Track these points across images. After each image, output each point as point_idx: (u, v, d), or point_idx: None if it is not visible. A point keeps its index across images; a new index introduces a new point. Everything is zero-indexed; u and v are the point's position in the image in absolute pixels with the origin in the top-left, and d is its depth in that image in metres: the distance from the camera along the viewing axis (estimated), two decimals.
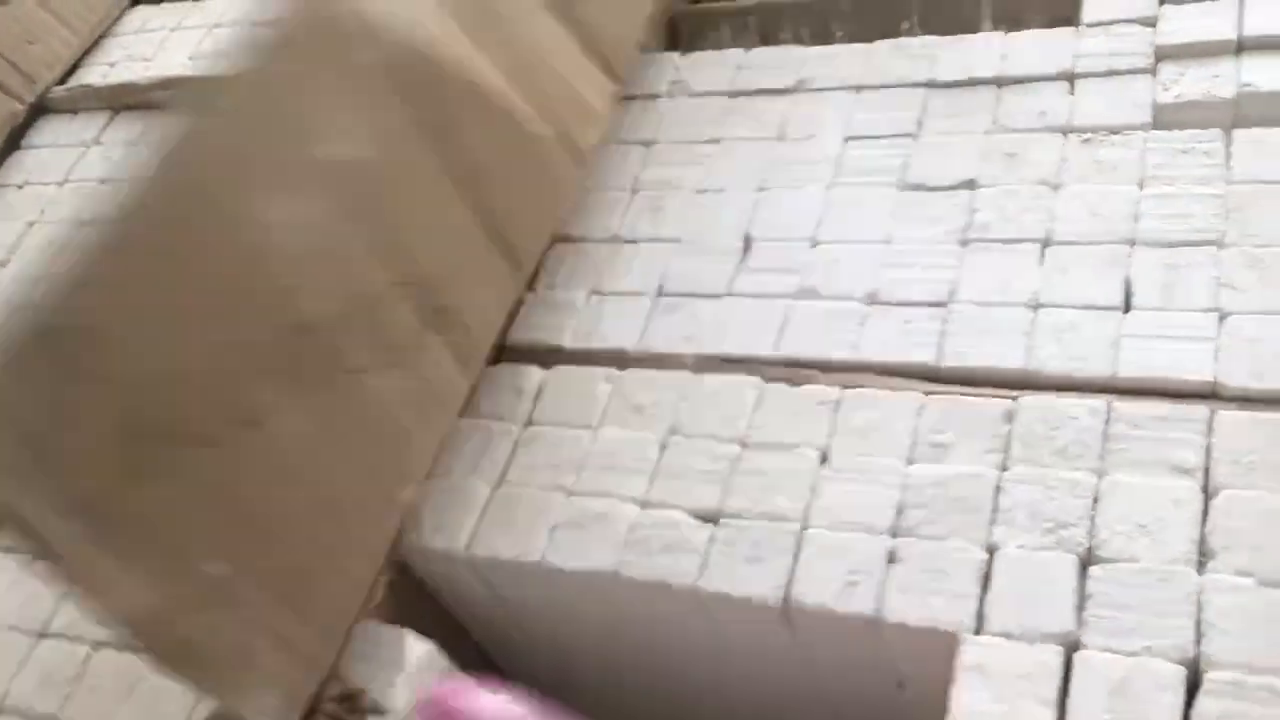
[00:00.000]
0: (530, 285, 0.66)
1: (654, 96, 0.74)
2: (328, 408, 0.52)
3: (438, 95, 0.58)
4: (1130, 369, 0.53)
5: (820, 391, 0.56)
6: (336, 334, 0.52)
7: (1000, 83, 0.66)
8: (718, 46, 0.79)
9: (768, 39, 0.80)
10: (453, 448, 0.60)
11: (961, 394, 0.54)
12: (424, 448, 0.57)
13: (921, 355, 0.57)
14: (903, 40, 0.71)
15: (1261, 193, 0.56)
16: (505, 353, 0.64)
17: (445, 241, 0.58)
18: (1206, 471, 0.49)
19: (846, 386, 0.56)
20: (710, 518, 0.54)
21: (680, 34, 0.83)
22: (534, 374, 0.62)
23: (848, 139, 0.67)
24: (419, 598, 0.59)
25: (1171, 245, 0.56)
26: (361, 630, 0.54)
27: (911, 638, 0.48)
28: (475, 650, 0.64)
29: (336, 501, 0.52)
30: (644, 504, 0.55)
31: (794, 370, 0.58)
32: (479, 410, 0.61)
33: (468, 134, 0.59)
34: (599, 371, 0.61)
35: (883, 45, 0.71)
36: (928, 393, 0.55)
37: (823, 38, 0.78)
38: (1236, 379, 0.51)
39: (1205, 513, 0.48)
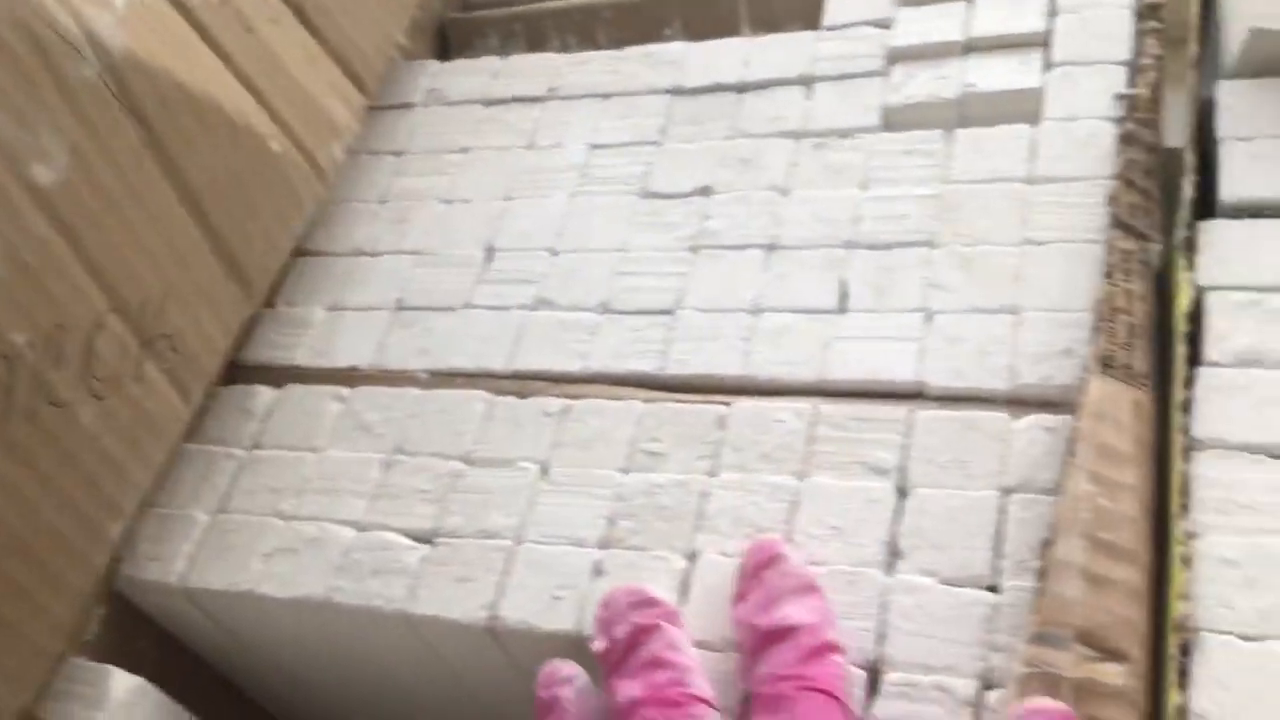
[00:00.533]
0: (269, 302, 0.64)
1: (409, 106, 0.73)
2: (26, 444, 0.49)
3: (171, 113, 0.55)
4: (839, 371, 0.53)
5: (546, 403, 0.56)
6: (43, 365, 0.50)
7: (742, 88, 0.66)
8: (486, 54, 0.78)
9: (535, 45, 0.79)
10: (175, 475, 0.57)
11: (678, 402, 0.54)
12: (137, 480, 0.54)
13: (646, 364, 0.56)
14: (652, 47, 0.70)
15: (974, 192, 0.57)
16: (238, 373, 0.62)
17: (170, 265, 0.56)
18: (902, 471, 0.49)
19: (574, 398, 0.56)
20: (425, 538, 0.52)
21: (449, 42, 0.81)
22: (264, 394, 0.60)
23: (593, 147, 0.66)
24: (142, 631, 0.57)
25: (887, 247, 0.56)
26: (66, 669, 0.52)
27: None
28: (217, 680, 0.62)
29: (32, 542, 0.50)
30: (361, 527, 0.54)
31: (524, 383, 0.57)
32: (205, 435, 0.59)
33: (202, 153, 0.57)
34: (330, 391, 0.59)
35: (633, 52, 0.70)
36: (647, 401, 0.54)
37: (589, 44, 0.78)
38: (938, 378, 0.51)
39: (898, 513, 0.48)
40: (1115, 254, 0.51)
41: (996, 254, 0.54)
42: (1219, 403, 0.47)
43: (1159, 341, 0.51)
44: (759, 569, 0.45)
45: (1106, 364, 0.48)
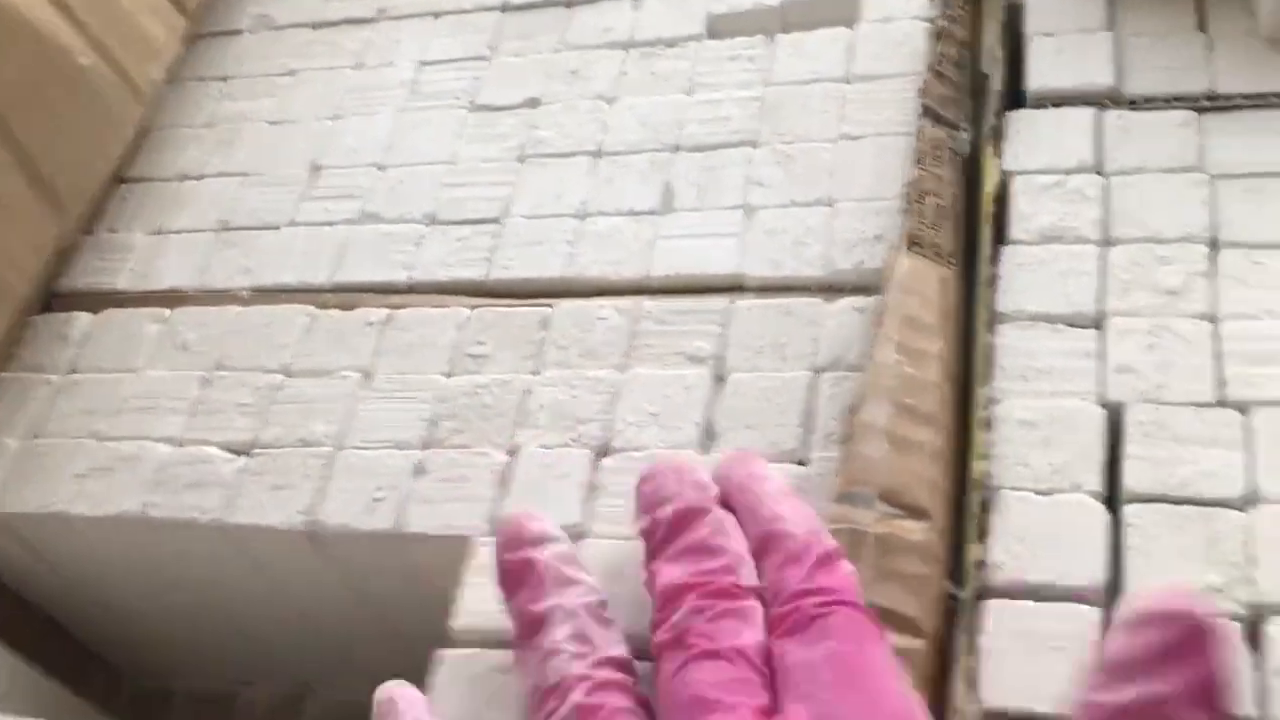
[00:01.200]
0: (88, 229, 0.62)
1: (236, 33, 0.71)
2: None
3: None
4: (663, 268, 0.53)
5: (369, 314, 0.55)
6: None
7: (570, 3, 0.66)
8: None
9: None
10: None
11: (504, 306, 0.54)
12: None
13: (471, 272, 0.55)
14: None
15: (794, 94, 0.58)
16: (56, 301, 0.60)
17: None
18: (719, 359, 0.49)
19: (398, 307, 0.55)
20: (243, 450, 0.51)
21: None
22: (82, 320, 0.58)
23: (423, 64, 0.65)
24: None
25: (711, 149, 0.57)
26: None
27: (430, 545, 0.47)
28: (36, 619, 0.59)
29: None
30: (178, 443, 0.52)
31: (348, 296, 0.56)
32: (20, 363, 0.57)
33: (3, 65, 0.55)
34: (149, 313, 0.58)
35: None
36: (472, 307, 0.54)
37: None
38: (757, 269, 0.52)
39: (714, 397, 0.48)
40: (925, 142, 0.52)
41: (814, 150, 0.55)
42: (1022, 277, 0.48)
43: (968, 226, 0.52)
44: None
45: (914, 242, 0.48)
